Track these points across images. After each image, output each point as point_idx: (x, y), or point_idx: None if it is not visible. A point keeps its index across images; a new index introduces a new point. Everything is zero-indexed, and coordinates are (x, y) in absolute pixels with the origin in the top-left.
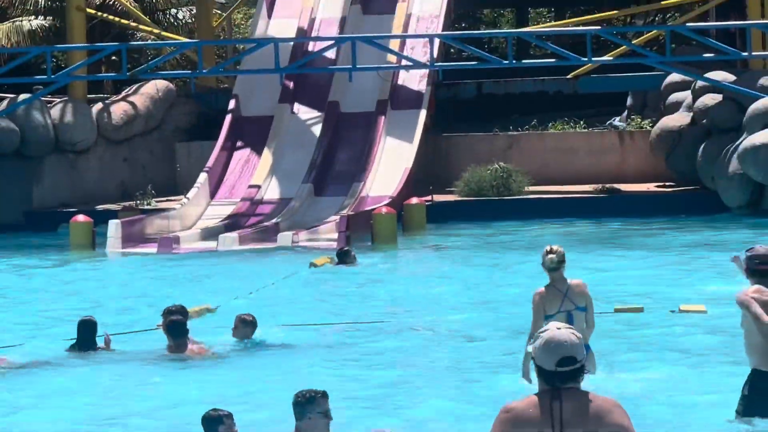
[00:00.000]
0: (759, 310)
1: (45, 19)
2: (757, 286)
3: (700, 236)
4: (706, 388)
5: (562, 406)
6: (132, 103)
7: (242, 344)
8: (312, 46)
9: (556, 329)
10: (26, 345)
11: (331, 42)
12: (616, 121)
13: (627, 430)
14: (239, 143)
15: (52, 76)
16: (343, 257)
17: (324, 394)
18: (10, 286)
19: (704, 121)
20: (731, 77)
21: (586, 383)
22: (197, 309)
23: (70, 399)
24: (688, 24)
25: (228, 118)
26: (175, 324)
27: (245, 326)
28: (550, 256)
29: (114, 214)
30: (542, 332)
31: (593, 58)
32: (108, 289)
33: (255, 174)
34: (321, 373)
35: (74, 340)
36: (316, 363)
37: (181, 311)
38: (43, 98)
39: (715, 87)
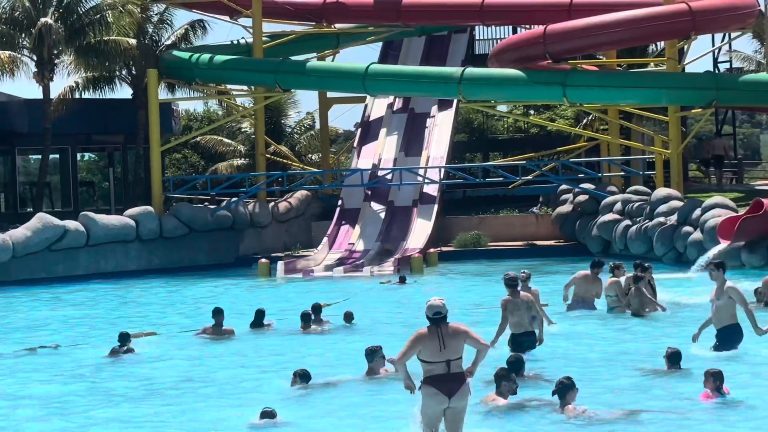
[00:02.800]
0: (502, 323)
1: (245, 159)
2: (508, 297)
3: (576, 267)
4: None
5: (441, 330)
6: (289, 202)
7: (344, 326)
8: (380, 173)
9: (434, 299)
10: (241, 328)
11: (389, 170)
12: (535, 210)
13: (468, 332)
14: (343, 222)
15: (248, 189)
16: (404, 280)
17: (380, 347)
18: (228, 298)
19: (579, 209)
20: (593, 186)
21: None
22: (322, 305)
23: (250, 352)
24: (570, 159)
25: (338, 209)
26: (307, 315)
27: (350, 318)
28: (525, 273)
29: (280, 258)
30: (428, 300)
31: (522, 177)
32: (278, 297)
33: (351, 237)
34: (382, 336)
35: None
36: (376, 333)
37: (316, 307)
38: (244, 200)
39: (584, 191)
